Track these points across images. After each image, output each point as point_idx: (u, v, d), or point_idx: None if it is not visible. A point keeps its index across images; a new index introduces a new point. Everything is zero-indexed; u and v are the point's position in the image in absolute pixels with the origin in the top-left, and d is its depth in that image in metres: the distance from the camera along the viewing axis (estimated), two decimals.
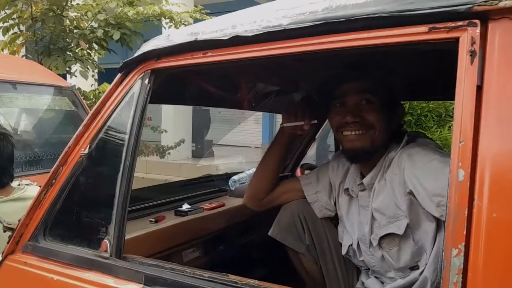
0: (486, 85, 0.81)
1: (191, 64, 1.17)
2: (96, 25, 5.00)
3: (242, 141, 10.94)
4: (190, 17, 5.06)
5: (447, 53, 0.93)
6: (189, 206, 1.88)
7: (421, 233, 1.30)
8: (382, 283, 1.44)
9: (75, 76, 5.00)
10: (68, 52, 4.93)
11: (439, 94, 2.46)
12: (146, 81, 1.22)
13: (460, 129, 0.82)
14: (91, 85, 5.55)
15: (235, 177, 2.37)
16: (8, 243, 1.40)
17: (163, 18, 5.01)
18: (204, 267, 1.41)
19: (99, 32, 4.73)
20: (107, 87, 6.02)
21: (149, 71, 1.22)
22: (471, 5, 0.82)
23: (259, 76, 1.62)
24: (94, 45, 5.05)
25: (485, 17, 0.82)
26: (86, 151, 1.29)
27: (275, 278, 1.21)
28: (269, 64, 1.21)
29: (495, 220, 0.77)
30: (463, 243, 0.78)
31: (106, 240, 1.20)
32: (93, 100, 5.40)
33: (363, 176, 1.44)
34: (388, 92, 1.38)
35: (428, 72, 1.56)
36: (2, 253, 1.40)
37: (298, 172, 2.42)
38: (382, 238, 1.35)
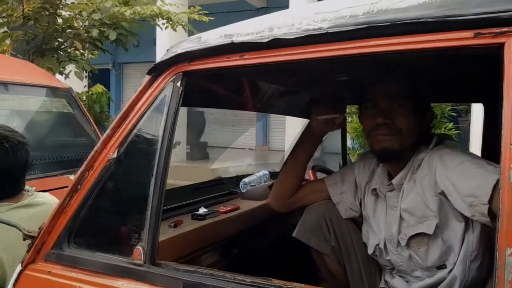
0: None
1: (226, 67, 1.16)
2: (90, 25, 4.93)
3: (236, 143, 10.94)
4: (188, 18, 5.02)
5: (484, 58, 0.94)
6: (206, 210, 1.86)
7: (450, 232, 1.32)
8: (407, 282, 1.45)
9: (68, 77, 4.92)
10: (61, 52, 4.84)
11: (469, 97, 2.50)
12: (178, 84, 1.19)
13: (510, 132, 0.83)
14: (84, 86, 5.47)
15: (246, 180, 2.36)
16: (27, 252, 1.36)
17: (160, 19, 4.96)
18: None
19: (94, 32, 4.66)
20: (100, 88, 5.98)
21: (181, 73, 1.20)
22: None
23: (294, 79, 1.61)
24: (88, 45, 4.97)
25: None
26: (115, 155, 1.25)
27: (295, 279, 1.20)
28: (306, 67, 1.20)
29: None
30: None
31: (139, 247, 1.17)
32: (86, 101, 5.33)
33: (390, 177, 1.46)
34: (420, 96, 1.40)
35: (462, 76, 1.57)
36: (22, 262, 1.35)
37: (310, 173, 2.42)
38: (411, 238, 1.37)
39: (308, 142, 1.65)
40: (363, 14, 1.00)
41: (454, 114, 5.13)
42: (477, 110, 5.85)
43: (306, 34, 1.04)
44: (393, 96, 1.37)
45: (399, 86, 1.37)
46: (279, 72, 1.40)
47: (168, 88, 1.21)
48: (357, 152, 6.41)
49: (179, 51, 1.20)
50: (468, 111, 6.50)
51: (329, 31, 1.02)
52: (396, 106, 1.36)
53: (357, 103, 1.50)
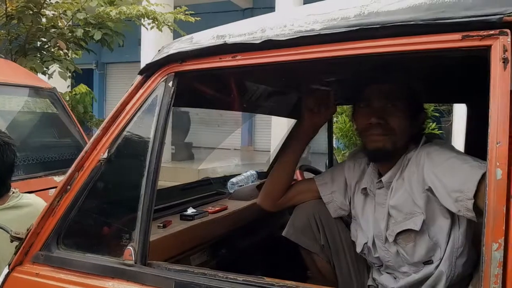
0: None
1: (219, 67, 1.16)
2: (75, 25, 4.87)
3: (221, 143, 10.92)
4: (174, 18, 4.99)
5: (468, 60, 0.97)
6: (194, 210, 1.86)
7: (436, 229, 1.35)
8: (395, 278, 1.47)
9: (52, 77, 4.85)
10: (44, 52, 4.77)
11: (453, 98, 2.56)
12: (170, 84, 1.20)
13: (497, 131, 0.85)
14: (68, 86, 5.41)
15: (233, 180, 2.37)
16: (15, 253, 1.34)
17: (145, 19, 4.92)
18: None
19: (79, 32, 4.60)
20: (84, 88, 5.90)
21: (173, 73, 1.21)
22: (501, 16, 0.87)
23: (286, 80, 1.62)
24: (72, 45, 4.90)
25: None
26: (105, 155, 1.25)
27: (284, 278, 1.21)
28: (298, 68, 1.21)
29: None
30: (503, 238, 0.82)
31: (130, 247, 1.17)
32: (70, 102, 5.27)
33: (380, 175, 1.47)
34: (412, 96, 1.41)
35: (447, 78, 1.60)
36: (9, 264, 1.34)
37: (297, 173, 2.43)
38: (398, 234, 1.39)
39: (298, 141, 1.66)
40: (354, 16, 1.02)
41: (437, 114, 5.24)
42: (459, 111, 5.96)
43: (298, 36, 1.05)
44: (387, 96, 1.38)
45: (393, 86, 1.39)
46: (272, 73, 1.41)
47: (159, 88, 1.21)
48: (342, 152, 6.47)
49: (171, 51, 1.20)
50: (450, 112, 6.63)
51: (321, 33, 1.03)
52: (390, 106, 1.38)
53: (350, 103, 1.52)
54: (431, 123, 4.92)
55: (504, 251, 0.81)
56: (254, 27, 1.13)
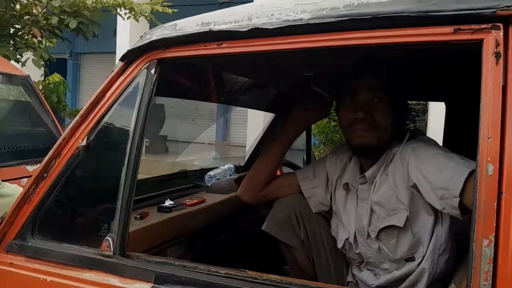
0: (511, 84, 0.85)
1: (203, 55, 1.14)
2: (49, 12, 4.74)
3: (196, 137, 10.84)
4: (152, 9, 4.92)
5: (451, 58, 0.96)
6: (172, 202, 1.83)
7: (419, 225, 1.34)
8: (375, 275, 1.46)
9: (25, 65, 4.72)
10: (18, 39, 4.63)
11: (432, 96, 2.57)
12: (152, 71, 1.17)
13: (488, 126, 0.85)
14: (41, 75, 5.26)
15: (211, 173, 2.33)
16: None
17: (122, 8, 4.83)
18: None
19: (54, 20, 4.48)
20: (57, 77, 5.77)
21: (155, 60, 1.18)
22: (494, 10, 0.86)
23: (272, 71, 1.59)
24: (46, 32, 4.77)
25: (506, 21, 0.86)
26: (84, 143, 1.21)
27: (261, 272, 1.20)
28: (285, 58, 1.20)
29: None
30: (493, 234, 0.81)
31: (108, 237, 1.15)
32: (43, 91, 5.14)
33: (363, 170, 1.46)
34: (398, 91, 1.41)
35: (428, 76, 1.61)
36: None
37: None
38: (381, 230, 1.38)
39: (285, 135, 1.64)
40: (343, 6, 1.00)
41: (412, 113, 5.32)
42: (434, 110, 6.06)
43: (286, 25, 1.04)
44: (374, 91, 1.37)
45: (379, 81, 1.37)
46: (257, 63, 1.39)
47: (141, 75, 1.18)
48: (318, 148, 6.51)
49: (154, 37, 1.17)
50: (425, 111, 6.74)
51: (309, 22, 1.01)
52: (376, 101, 1.37)
53: (335, 97, 1.50)
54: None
55: (494, 247, 0.81)
56: (240, 15, 1.11)
